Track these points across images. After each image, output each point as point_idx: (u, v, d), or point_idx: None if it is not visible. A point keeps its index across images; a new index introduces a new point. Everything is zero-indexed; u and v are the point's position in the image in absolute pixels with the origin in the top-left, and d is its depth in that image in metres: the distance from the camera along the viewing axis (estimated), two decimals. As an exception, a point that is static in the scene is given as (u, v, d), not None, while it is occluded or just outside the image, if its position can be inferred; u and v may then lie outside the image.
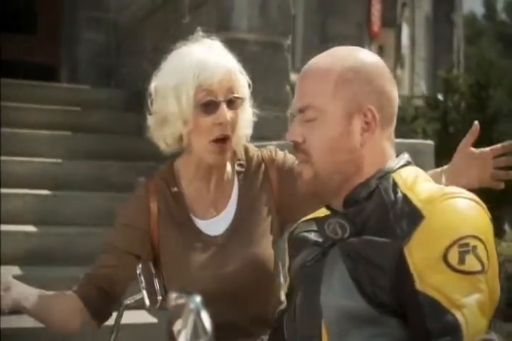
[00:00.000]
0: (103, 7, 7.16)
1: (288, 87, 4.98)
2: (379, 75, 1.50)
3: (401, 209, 1.39)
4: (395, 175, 1.47)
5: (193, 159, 1.97)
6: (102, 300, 1.95)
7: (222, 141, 1.89)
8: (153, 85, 1.98)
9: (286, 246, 1.72)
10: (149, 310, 1.91)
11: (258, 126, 4.92)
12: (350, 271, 1.40)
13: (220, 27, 4.85)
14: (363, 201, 1.46)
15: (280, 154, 2.03)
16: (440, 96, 9.56)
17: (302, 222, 1.69)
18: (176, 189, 1.98)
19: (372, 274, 1.37)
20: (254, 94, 5.04)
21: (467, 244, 1.32)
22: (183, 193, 1.99)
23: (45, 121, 5.55)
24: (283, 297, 1.95)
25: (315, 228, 1.57)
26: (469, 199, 1.39)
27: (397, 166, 1.50)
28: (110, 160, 5.31)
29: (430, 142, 3.77)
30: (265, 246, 1.93)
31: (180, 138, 1.95)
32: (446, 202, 1.37)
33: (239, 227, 1.95)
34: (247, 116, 1.99)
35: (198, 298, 0.95)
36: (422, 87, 17.63)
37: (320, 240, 1.56)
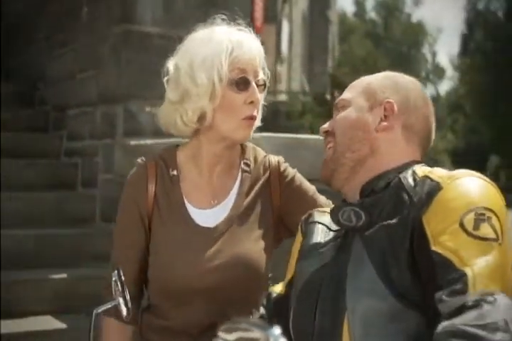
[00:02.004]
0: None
1: (192, 82, 4.91)
2: (410, 87, 1.67)
3: (421, 185, 1.46)
4: (414, 168, 1.55)
5: (207, 142, 1.91)
6: (138, 307, 1.97)
7: (250, 118, 1.87)
8: (172, 63, 1.92)
9: (300, 231, 1.75)
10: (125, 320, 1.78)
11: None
12: (376, 266, 1.43)
13: (123, 19, 4.72)
14: (380, 191, 1.53)
15: (284, 166, 2.01)
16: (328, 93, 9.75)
17: (316, 210, 1.77)
18: (175, 172, 1.93)
19: (395, 257, 1.40)
20: (157, 88, 4.96)
21: (483, 214, 1.37)
22: (181, 178, 1.94)
23: None
24: None
25: (327, 220, 1.66)
26: (486, 181, 1.46)
27: (416, 164, 1.58)
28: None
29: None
30: (257, 248, 1.89)
31: (201, 115, 1.87)
32: (465, 178, 1.44)
33: (233, 223, 1.90)
34: (261, 108, 1.95)
35: (277, 331, 0.88)
36: (302, 83, 17.92)
37: (332, 235, 1.63)
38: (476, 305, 1.23)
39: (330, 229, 1.66)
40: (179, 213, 1.91)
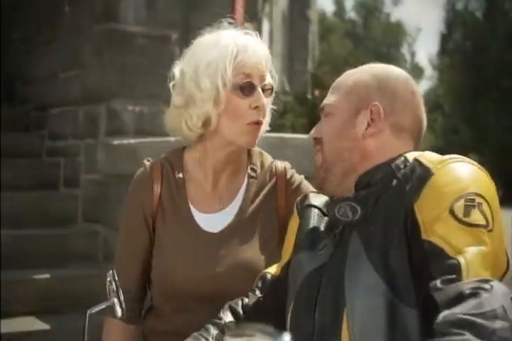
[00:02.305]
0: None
1: (175, 82, 4.89)
2: (396, 83, 1.61)
3: (411, 171, 1.45)
4: (405, 155, 1.54)
5: (213, 148, 1.89)
6: (141, 307, 1.97)
7: (256, 123, 1.84)
8: (178, 68, 1.91)
9: (296, 213, 1.74)
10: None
11: (142, 121, 4.84)
12: (373, 261, 1.42)
13: (105, 18, 4.70)
14: (375, 184, 1.52)
15: (291, 172, 1.99)
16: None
17: (312, 192, 1.76)
18: (180, 175, 1.92)
19: (392, 248, 1.40)
20: (140, 87, 4.94)
21: (473, 200, 1.36)
22: (187, 181, 1.92)
23: None
24: None
25: (321, 203, 1.68)
26: (476, 166, 1.45)
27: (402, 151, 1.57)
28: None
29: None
30: (260, 255, 1.87)
31: (206, 120, 1.86)
32: (456, 163, 1.43)
33: (237, 229, 1.89)
34: (268, 112, 1.93)
35: (287, 338, 0.87)
36: (283, 82, 17.87)
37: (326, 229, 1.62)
38: (474, 293, 1.23)
39: (324, 214, 1.66)
40: (184, 217, 1.90)
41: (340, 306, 1.45)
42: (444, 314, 1.22)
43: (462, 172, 1.41)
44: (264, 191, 1.95)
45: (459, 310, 1.21)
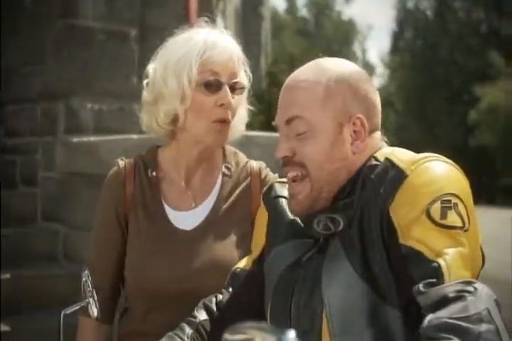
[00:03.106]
0: None
1: (135, 79, 4.83)
2: (364, 84, 1.53)
3: (384, 171, 1.42)
4: (376, 155, 1.49)
5: (184, 145, 1.90)
6: (114, 306, 1.96)
7: (223, 121, 1.83)
8: (151, 66, 1.90)
9: (262, 205, 1.71)
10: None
11: (102, 118, 4.78)
12: (352, 261, 1.41)
13: (64, 13, 4.63)
14: (355, 192, 1.46)
15: (266, 172, 1.98)
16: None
17: (277, 182, 1.71)
18: (154, 173, 1.91)
19: (371, 249, 1.39)
20: (99, 84, 4.87)
21: (449, 201, 1.35)
22: (161, 179, 1.92)
23: None
24: None
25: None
26: (450, 163, 1.43)
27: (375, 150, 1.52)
28: None
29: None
30: (233, 253, 1.86)
31: (174, 117, 1.86)
32: (429, 163, 1.40)
33: (211, 227, 1.88)
34: (242, 111, 1.93)
35: (292, 334, 0.86)
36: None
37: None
38: (459, 296, 1.23)
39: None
40: (157, 215, 1.89)
41: (317, 306, 1.43)
42: (429, 318, 1.22)
43: (436, 173, 1.39)
44: (239, 190, 1.94)
45: (444, 314, 1.21)
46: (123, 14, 4.77)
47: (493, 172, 27.94)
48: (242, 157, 2.01)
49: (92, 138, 4.26)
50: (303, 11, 48.88)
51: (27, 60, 5.01)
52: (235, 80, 1.84)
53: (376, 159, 1.47)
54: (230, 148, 2.00)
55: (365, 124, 1.49)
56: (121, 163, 1.94)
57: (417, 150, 1.50)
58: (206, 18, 1.92)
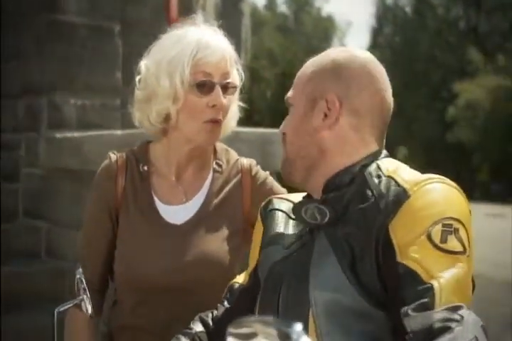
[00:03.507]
0: None
1: (118, 74, 4.81)
2: (351, 67, 1.54)
3: (386, 189, 1.42)
4: (379, 163, 1.50)
5: (176, 143, 1.91)
6: (103, 299, 1.97)
7: (215, 122, 1.85)
8: (143, 63, 1.90)
9: (259, 219, 1.73)
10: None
11: (85, 114, 4.74)
12: (341, 263, 1.41)
13: (47, 8, 4.58)
14: (344, 187, 1.48)
15: (256, 169, 2.01)
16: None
17: (275, 197, 1.74)
18: (145, 168, 1.93)
19: (361, 257, 1.39)
20: (83, 80, 4.83)
21: (450, 225, 1.36)
22: (152, 174, 1.94)
23: None
24: None
25: (286, 207, 1.66)
26: (452, 186, 1.44)
27: (379, 157, 1.53)
28: None
29: (278, 131, 3.77)
30: (224, 247, 1.89)
31: (167, 116, 1.88)
32: (432, 185, 1.40)
33: (201, 221, 1.90)
34: (234, 108, 1.94)
35: (299, 327, 0.85)
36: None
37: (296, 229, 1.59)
38: (446, 327, 1.23)
39: (290, 217, 1.64)
40: (147, 208, 1.90)
41: (304, 306, 1.43)
42: None
43: (439, 196, 1.39)
44: (229, 186, 1.96)
45: None
46: (106, 9, 4.74)
47: (471, 169, 28.15)
48: (233, 154, 2.03)
49: (76, 134, 4.23)
50: (282, 7, 48.90)
51: (9, 55, 4.96)
52: (228, 80, 1.85)
53: (379, 167, 1.48)
54: (221, 146, 2.02)
55: (337, 104, 1.51)
56: (113, 156, 1.94)
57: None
58: (200, 16, 1.91)
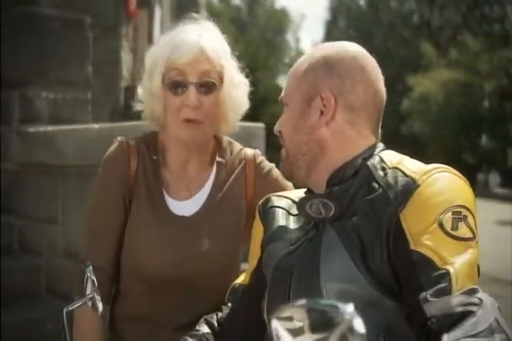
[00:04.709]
0: None
1: (89, 67, 4.75)
2: (343, 62, 1.56)
3: (394, 179, 1.44)
4: (381, 155, 1.53)
5: (171, 138, 1.94)
6: (111, 287, 1.95)
7: (190, 121, 1.85)
8: (146, 60, 1.94)
9: (258, 217, 1.74)
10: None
11: (55, 108, 4.67)
12: (351, 253, 1.43)
13: (20, 0, 4.50)
14: (348, 180, 1.51)
15: (260, 158, 2.02)
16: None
17: (274, 195, 1.74)
18: (155, 157, 1.93)
19: (371, 247, 1.42)
20: (54, 73, 4.75)
21: (459, 212, 1.40)
22: (161, 164, 1.94)
23: None
24: None
25: (285, 204, 1.68)
26: (457, 175, 1.47)
27: (378, 149, 1.56)
28: None
29: (261, 125, 3.79)
30: (231, 237, 1.91)
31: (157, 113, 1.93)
32: (439, 174, 1.44)
33: (208, 213, 1.92)
34: (233, 101, 1.92)
35: (350, 308, 0.85)
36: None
37: (299, 223, 1.61)
38: (468, 311, 1.27)
39: (289, 213, 1.66)
40: (157, 200, 1.91)
41: (316, 297, 1.44)
42: (447, 340, 1.24)
43: (447, 184, 1.43)
44: (233, 175, 1.97)
45: (460, 334, 1.24)
46: (77, 2, 4.67)
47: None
48: (237, 145, 2.04)
49: (50, 128, 4.17)
50: (236, 0, 48.79)
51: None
52: (206, 79, 1.85)
53: (382, 160, 1.50)
54: (225, 139, 2.02)
55: (331, 98, 1.53)
56: (123, 141, 1.94)
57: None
58: (195, 14, 1.93)
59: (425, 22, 32.98)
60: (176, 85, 1.84)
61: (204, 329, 1.71)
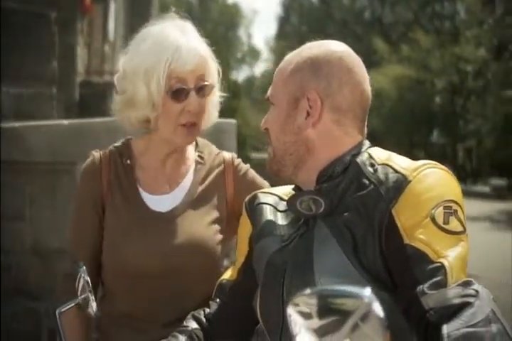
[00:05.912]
0: None
1: (55, 63, 4.70)
2: (330, 64, 1.57)
3: (385, 176, 1.48)
4: (369, 152, 1.56)
5: (157, 141, 1.98)
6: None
7: (191, 125, 1.91)
8: (121, 64, 1.94)
9: (245, 213, 1.75)
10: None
11: (20, 103, 4.61)
12: (344, 248, 1.45)
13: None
14: (338, 176, 1.53)
15: (237, 161, 2.07)
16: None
17: (260, 192, 1.77)
18: (128, 161, 1.99)
19: (363, 242, 1.45)
20: (19, 68, 4.68)
21: (450, 207, 1.44)
22: (135, 166, 2.00)
23: None
24: None
25: (272, 200, 1.70)
26: (445, 170, 1.52)
27: (366, 146, 1.58)
28: None
29: (233, 121, 3.81)
30: (209, 233, 1.94)
31: (146, 120, 1.94)
32: (429, 170, 1.48)
33: (186, 209, 1.95)
34: (215, 98, 1.99)
35: (368, 291, 0.87)
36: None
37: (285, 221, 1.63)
38: (465, 302, 1.31)
39: (277, 210, 1.67)
40: (132, 198, 1.95)
41: None
42: (447, 331, 1.28)
43: (436, 179, 1.47)
44: (212, 176, 2.01)
45: (459, 325, 1.28)
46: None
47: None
48: (214, 148, 2.09)
49: (17, 124, 4.11)
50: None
51: None
52: (203, 83, 1.90)
53: (371, 156, 1.54)
54: (202, 140, 2.07)
55: (317, 99, 1.55)
56: (96, 154, 2.01)
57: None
58: (172, 14, 1.95)
59: (377, 18, 33.27)
60: (177, 93, 1.87)
61: (192, 325, 1.72)
